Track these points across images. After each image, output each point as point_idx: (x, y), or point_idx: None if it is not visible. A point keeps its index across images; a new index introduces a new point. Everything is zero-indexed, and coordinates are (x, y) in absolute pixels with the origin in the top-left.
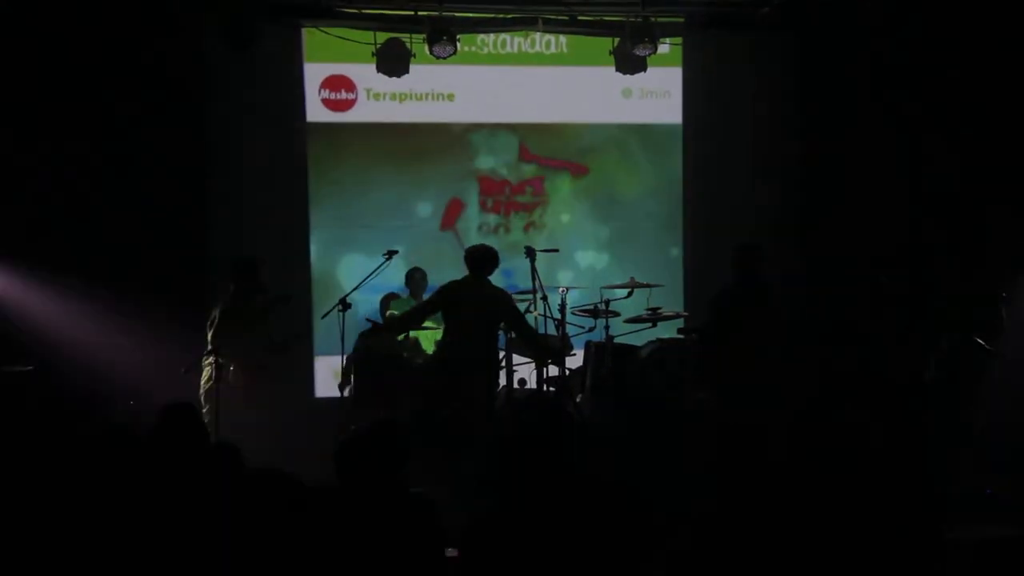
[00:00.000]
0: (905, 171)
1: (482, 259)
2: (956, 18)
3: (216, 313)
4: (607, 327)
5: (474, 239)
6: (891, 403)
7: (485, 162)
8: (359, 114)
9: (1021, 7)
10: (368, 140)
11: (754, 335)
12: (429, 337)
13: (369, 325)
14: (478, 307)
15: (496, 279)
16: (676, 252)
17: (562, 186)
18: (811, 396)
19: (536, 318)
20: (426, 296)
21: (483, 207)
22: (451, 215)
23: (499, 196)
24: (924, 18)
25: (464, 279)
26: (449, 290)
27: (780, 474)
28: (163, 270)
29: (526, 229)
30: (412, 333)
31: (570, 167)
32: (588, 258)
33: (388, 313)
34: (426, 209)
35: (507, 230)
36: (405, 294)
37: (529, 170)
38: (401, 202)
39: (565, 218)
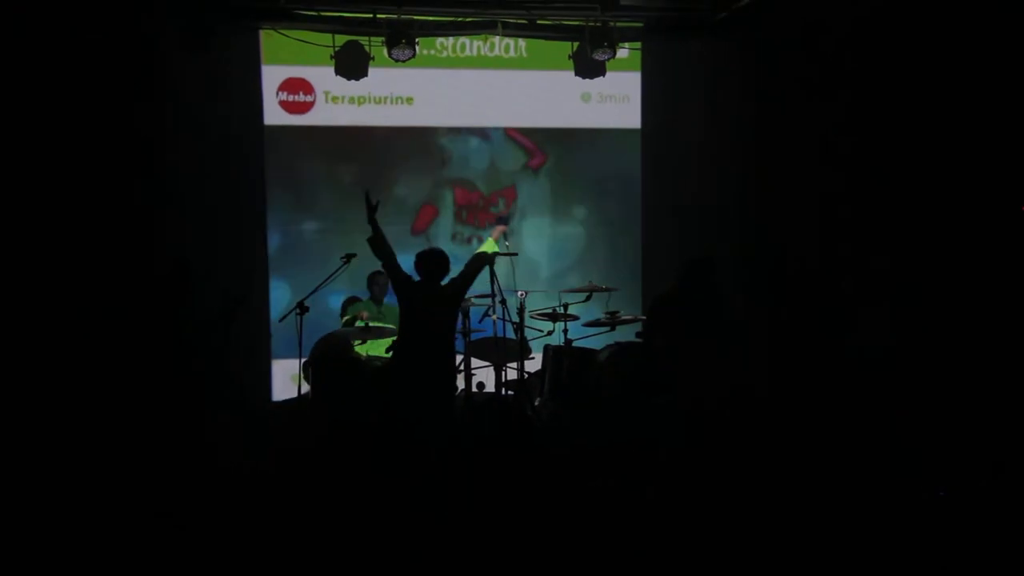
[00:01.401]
0: (858, 172)
1: (434, 264)
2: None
3: None
4: (565, 331)
5: (446, 247)
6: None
7: (457, 170)
8: (317, 117)
9: (975, 11)
10: (328, 143)
11: (706, 340)
12: (382, 344)
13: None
14: (430, 308)
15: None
16: (633, 256)
17: (531, 193)
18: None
19: (495, 322)
20: (387, 300)
21: (458, 218)
22: (423, 220)
23: (474, 207)
24: (880, 22)
25: (419, 282)
26: (409, 286)
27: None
28: (113, 271)
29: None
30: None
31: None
32: (549, 262)
33: (345, 319)
34: (392, 212)
35: (480, 240)
36: (366, 297)
37: (503, 179)
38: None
39: (533, 227)
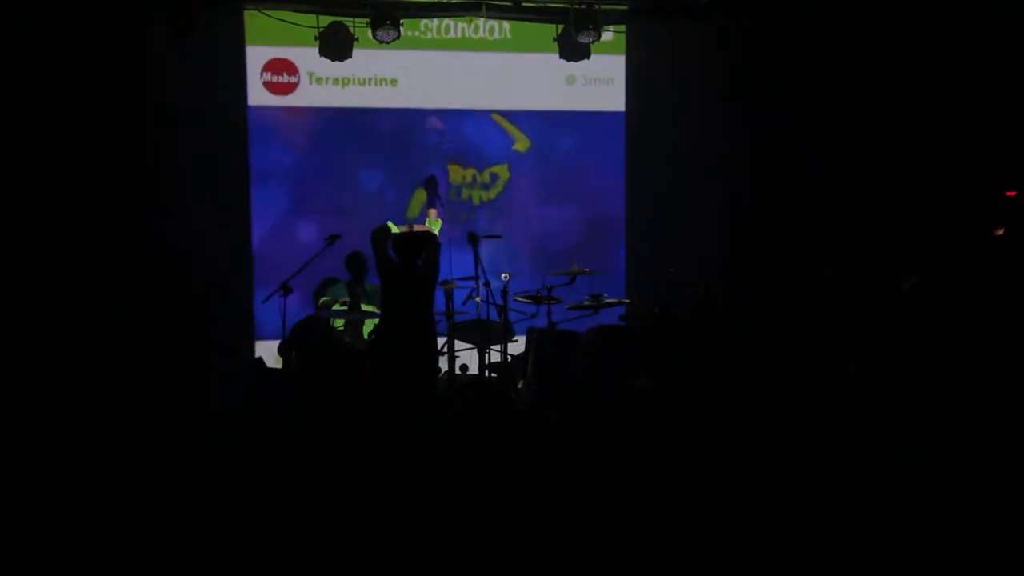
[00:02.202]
0: (845, 163)
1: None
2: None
3: None
4: (549, 313)
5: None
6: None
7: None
8: (301, 98)
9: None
10: (313, 123)
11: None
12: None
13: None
14: (408, 280)
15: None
16: (617, 239)
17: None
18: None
19: (478, 304)
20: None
21: (452, 196)
22: (418, 205)
23: (467, 184)
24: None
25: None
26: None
27: None
28: (99, 257)
29: (489, 216)
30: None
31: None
32: (533, 245)
33: (322, 300)
34: (375, 189)
35: (473, 217)
36: (347, 278)
37: (495, 155)
38: (348, 185)
39: (518, 209)
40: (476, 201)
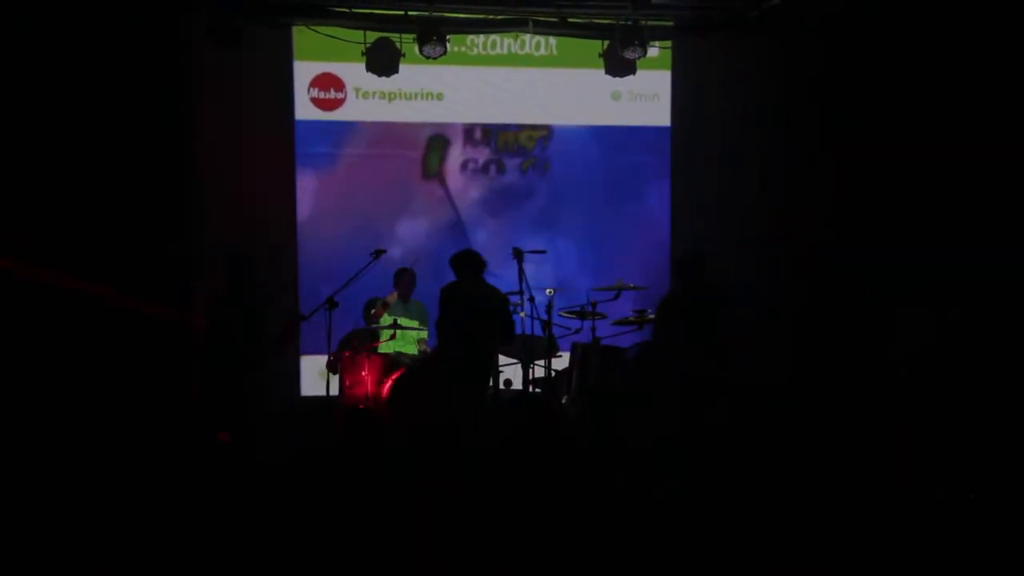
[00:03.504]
0: (892, 173)
1: (466, 262)
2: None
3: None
4: (594, 329)
5: (459, 181)
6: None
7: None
8: (348, 112)
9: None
10: (359, 138)
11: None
12: (410, 341)
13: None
14: (469, 307)
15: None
16: (663, 253)
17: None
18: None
19: (523, 319)
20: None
21: (468, 139)
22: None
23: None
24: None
25: (454, 282)
26: (444, 293)
27: None
28: (149, 268)
29: (523, 169)
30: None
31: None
32: (578, 261)
33: (373, 311)
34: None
35: (500, 168)
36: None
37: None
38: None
39: (563, 224)
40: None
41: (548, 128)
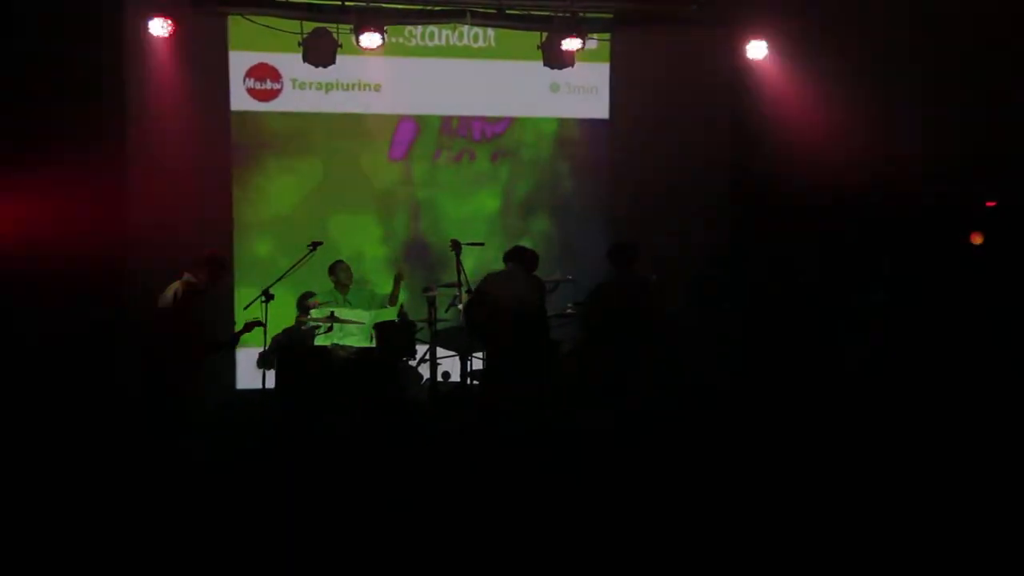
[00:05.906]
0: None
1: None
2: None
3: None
4: None
5: (428, 173)
6: None
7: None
8: (284, 103)
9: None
10: (295, 129)
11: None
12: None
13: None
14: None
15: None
16: (599, 246)
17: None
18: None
19: (460, 311)
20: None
21: (445, 130)
22: (402, 142)
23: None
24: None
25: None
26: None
27: None
28: (80, 260)
29: (494, 159)
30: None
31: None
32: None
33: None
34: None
35: (471, 157)
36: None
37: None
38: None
39: (498, 216)
40: None
41: (487, 119)
